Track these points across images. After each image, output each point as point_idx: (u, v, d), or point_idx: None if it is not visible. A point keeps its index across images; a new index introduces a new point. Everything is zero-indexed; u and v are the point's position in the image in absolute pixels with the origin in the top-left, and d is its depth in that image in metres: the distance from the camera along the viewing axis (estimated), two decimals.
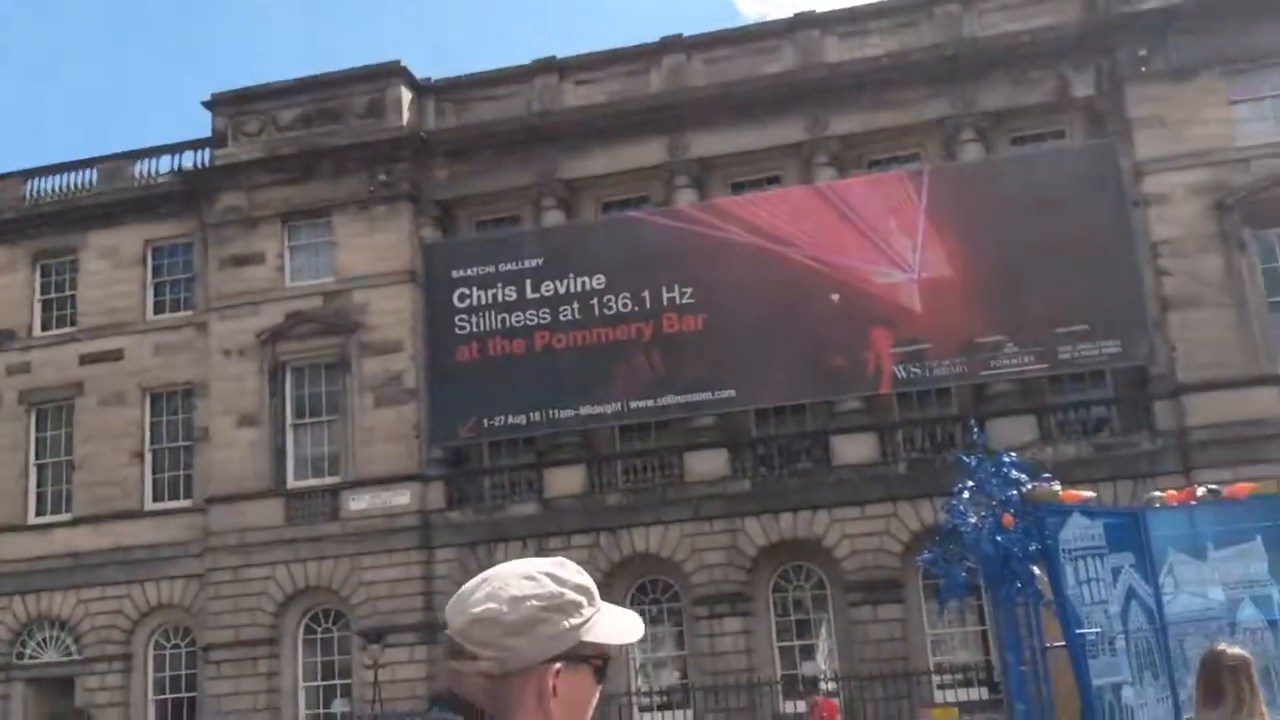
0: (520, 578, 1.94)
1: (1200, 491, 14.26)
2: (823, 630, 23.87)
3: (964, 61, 24.19)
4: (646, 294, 24.74)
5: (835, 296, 23.98)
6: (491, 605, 1.91)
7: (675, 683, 24.09)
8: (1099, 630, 13.31)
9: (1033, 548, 12.79)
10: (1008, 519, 13.11)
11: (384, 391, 25.50)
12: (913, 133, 25.04)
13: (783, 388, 24.25)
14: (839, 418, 24.23)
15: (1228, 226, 22.19)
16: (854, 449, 23.65)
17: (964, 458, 14.36)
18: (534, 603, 1.91)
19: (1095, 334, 22.67)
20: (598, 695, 1.98)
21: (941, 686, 22.49)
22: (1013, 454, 14.22)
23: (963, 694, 22.04)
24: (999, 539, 12.92)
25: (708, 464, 24.17)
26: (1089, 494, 14.25)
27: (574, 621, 1.94)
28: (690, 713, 23.28)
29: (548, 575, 1.96)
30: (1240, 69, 22.78)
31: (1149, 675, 13.76)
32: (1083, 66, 23.77)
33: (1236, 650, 4.72)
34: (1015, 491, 13.32)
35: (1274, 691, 13.44)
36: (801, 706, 21.55)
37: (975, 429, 16.91)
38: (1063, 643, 13.26)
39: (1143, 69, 22.83)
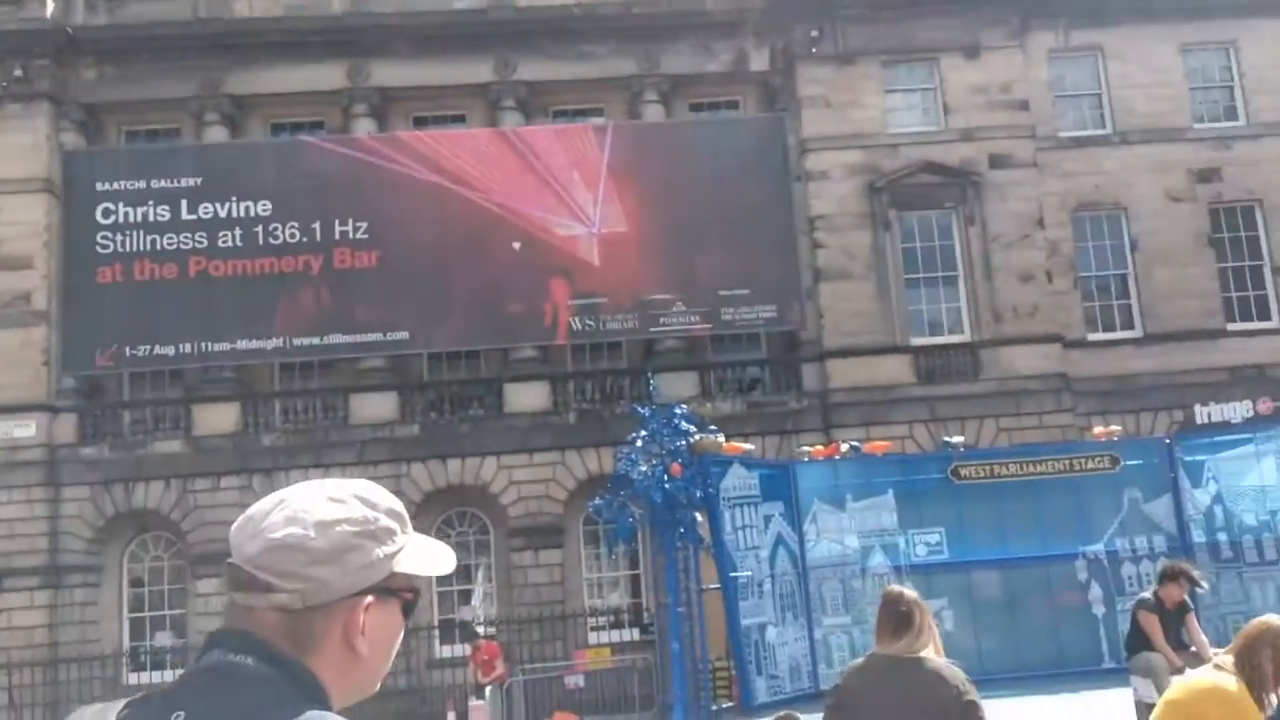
0: (325, 500, 1.67)
1: (844, 448, 15.41)
2: (480, 575, 23.93)
3: (651, 22, 24.66)
4: (317, 225, 23.57)
5: (516, 244, 23.89)
6: (295, 530, 1.62)
7: None
8: (750, 574, 14.13)
9: (699, 495, 13.33)
10: (676, 468, 13.58)
11: (8, 312, 22.83)
12: (599, 87, 25.27)
13: (458, 332, 23.93)
14: (513, 366, 24.25)
15: (876, 207, 24.05)
16: (526, 397, 23.75)
17: (638, 408, 14.76)
18: (345, 528, 1.65)
19: (755, 298, 23.95)
20: (402, 633, 1.74)
21: (595, 628, 23.18)
22: (683, 406, 14.74)
23: (615, 635, 22.81)
24: (667, 486, 13.36)
25: (375, 407, 23.48)
26: (749, 446, 15.06)
27: (387, 550, 1.68)
28: None
29: (357, 498, 1.69)
30: (896, 59, 24.65)
31: (790, 616, 14.78)
32: (762, 42, 24.87)
33: (912, 591, 5.07)
34: (684, 442, 13.82)
35: None
36: (458, 650, 21.51)
37: (651, 382, 17.31)
38: (717, 585, 13.97)
39: (813, 50, 24.20)
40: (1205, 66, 25.65)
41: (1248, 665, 4.45)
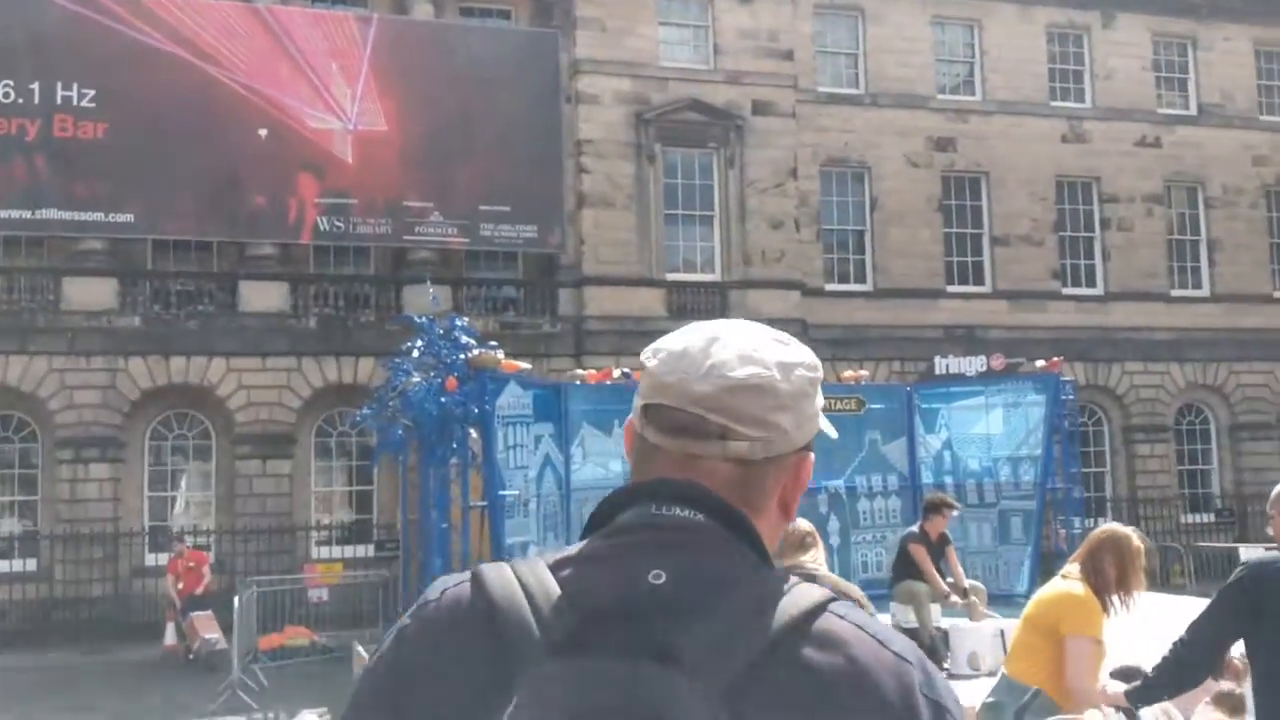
0: (771, 340, 1.41)
1: (616, 374, 15.44)
2: (185, 482, 22.47)
3: None
4: (36, 86, 21.00)
5: (263, 131, 22.24)
6: (759, 370, 1.35)
7: (20, 530, 21.28)
8: (518, 492, 13.97)
9: (476, 411, 12.98)
10: (452, 382, 13.15)
11: None
12: None
13: (191, 220, 22.10)
14: (250, 262, 22.70)
15: (643, 138, 24.11)
16: (263, 297, 22.34)
17: (416, 318, 14.16)
18: (802, 372, 1.39)
19: (516, 217, 23.51)
20: None
21: (321, 543, 22.35)
22: (464, 319, 14.27)
23: (342, 551, 22.09)
24: (443, 400, 12.93)
25: (92, 293, 21.37)
26: (525, 365, 14.80)
27: (820, 402, 1.42)
28: (35, 562, 20.77)
29: (782, 340, 1.43)
30: None
31: (552, 536, 14.74)
32: None
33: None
34: (462, 356, 13.40)
35: None
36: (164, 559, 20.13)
37: (432, 292, 16.60)
38: (484, 502, 13.72)
39: None
40: (951, 40, 27.29)
41: (1092, 570, 4.78)
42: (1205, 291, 28.21)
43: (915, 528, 10.72)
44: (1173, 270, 28.10)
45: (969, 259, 26.98)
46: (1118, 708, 4.52)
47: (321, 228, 22.45)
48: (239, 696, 14.32)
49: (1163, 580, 20.52)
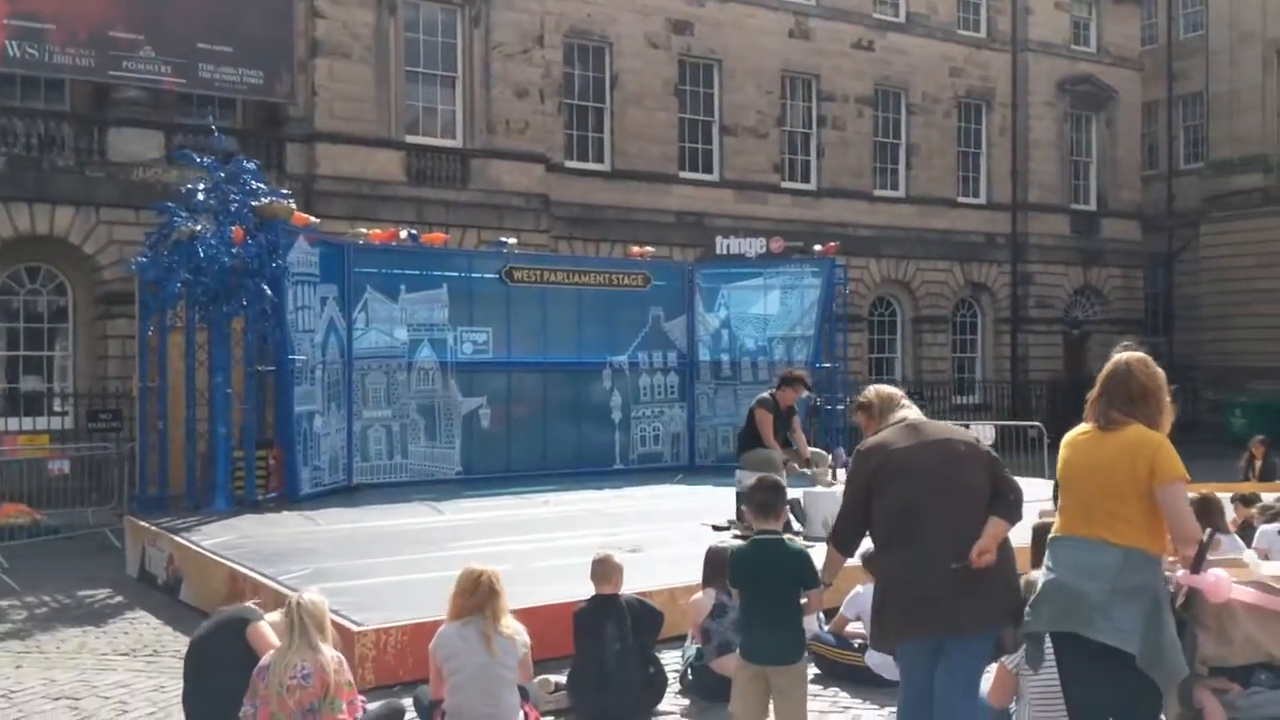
0: None
1: (402, 234, 14.47)
2: None
3: None
4: None
5: None
6: None
7: None
8: (305, 358, 12.86)
9: (275, 265, 11.70)
10: (239, 232, 11.79)
11: None
12: None
13: None
14: None
15: None
16: None
17: (196, 157, 12.45)
18: None
19: (239, 60, 21.17)
20: None
21: (6, 414, 19.63)
22: (255, 162, 12.72)
23: (43, 423, 19.52)
24: (235, 251, 11.54)
25: None
26: (314, 220, 13.47)
27: None
28: None
29: None
30: None
31: (334, 406, 13.78)
32: None
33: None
34: (251, 204, 12.01)
35: (438, 427, 14.45)
36: None
37: (216, 133, 14.55)
38: (273, 367, 12.54)
39: None
40: None
41: (1157, 410, 4.42)
42: (901, 193, 30.31)
43: (766, 394, 10.80)
44: (876, 171, 29.93)
45: (700, 146, 27.39)
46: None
47: (12, 54, 19.17)
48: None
49: None
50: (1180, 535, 4.11)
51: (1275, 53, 32.86)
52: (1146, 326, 34.55)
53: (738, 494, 10.78)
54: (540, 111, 24.28)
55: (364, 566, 9.04)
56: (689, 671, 6.62)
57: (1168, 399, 4.34)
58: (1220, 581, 4.25)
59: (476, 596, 5.37)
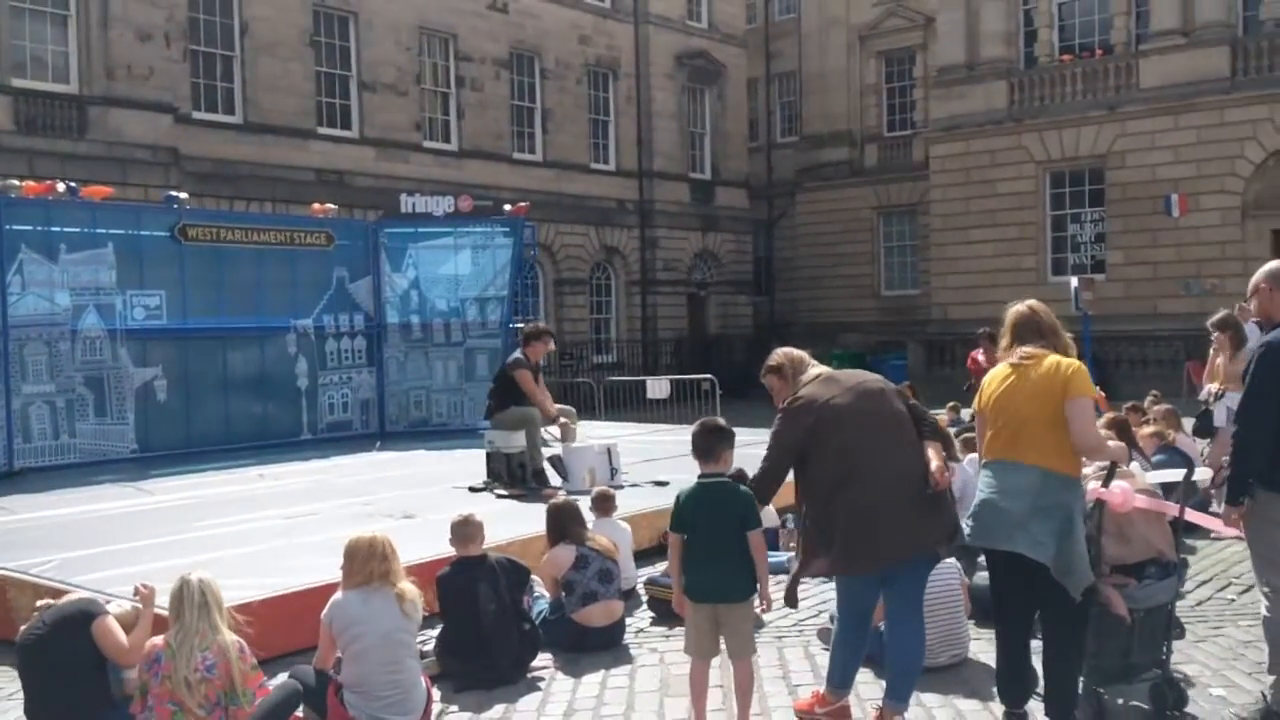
0: None
1: (60, 188, 12.79)
2: None
3: None
4: None
5: None
6: None
7: None
8: None
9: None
10: None
11: None
12: None
13: None
14: None
15: None
16: None
17: None
18: None
19: None
20: None
21: None
22: None
23: None
24: None
25: None
26: None
27: None
28: None
29: None
30: None
31: None
32: None
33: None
34: None
35: (109, 401, 13.05)
36: None
37: None
38: None
39: None
40: None
41: (1063, 347, 4.86)
42: (539, 157, 30.72)
43: (519, 354, 10.61)
44: (515, 134, 30.10)
45: (338, 101, 26.22)
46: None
47: None
48: None
49: None
50: (1084, 446, 4.64)
51: (859, 38, 36.65)
52: (755, 287, 37.53)
53: (488, 455, 10.62)
54: (166, 57, 22.22)
55: (123, 552, 7.98)
56: (540, 626, 6.51)
57: (1068, 334, 4.90)
58: (1125, 493, 4.86)
59: (374, 563, 5.12)
